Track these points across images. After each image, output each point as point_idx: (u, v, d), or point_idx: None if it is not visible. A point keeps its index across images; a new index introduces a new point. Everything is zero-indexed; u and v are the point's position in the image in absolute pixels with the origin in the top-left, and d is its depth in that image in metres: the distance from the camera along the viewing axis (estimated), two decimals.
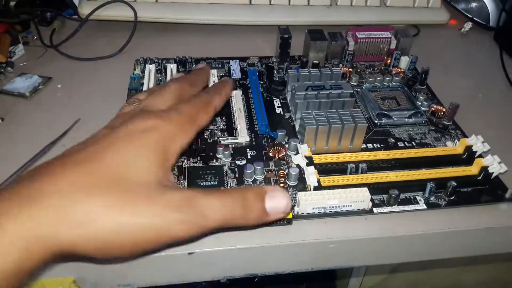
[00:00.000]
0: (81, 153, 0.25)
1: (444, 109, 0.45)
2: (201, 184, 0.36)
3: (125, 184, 0.24)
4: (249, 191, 0.27)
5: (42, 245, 0.21)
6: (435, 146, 0.41)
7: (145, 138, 0.26)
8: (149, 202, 0.24)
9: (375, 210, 0.34)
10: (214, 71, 0.47)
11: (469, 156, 0.39)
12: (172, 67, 0.46)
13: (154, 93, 0.32)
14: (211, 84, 0.43)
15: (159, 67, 0.49)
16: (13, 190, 0.22)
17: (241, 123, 0.42)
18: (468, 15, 0.64)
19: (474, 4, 0.64)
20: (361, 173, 0.37)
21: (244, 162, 0.38)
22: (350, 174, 0.37)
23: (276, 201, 0.27)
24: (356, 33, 0.51)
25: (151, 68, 0.45)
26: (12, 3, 0.58)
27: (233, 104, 0.44)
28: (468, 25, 0.62)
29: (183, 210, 0.24)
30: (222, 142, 0.40)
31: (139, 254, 0.26)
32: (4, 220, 0.21)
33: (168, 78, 0.45)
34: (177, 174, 0.36)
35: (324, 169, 0.37)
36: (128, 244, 0.23)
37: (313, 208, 0.33)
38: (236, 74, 0.50)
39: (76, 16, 0.57)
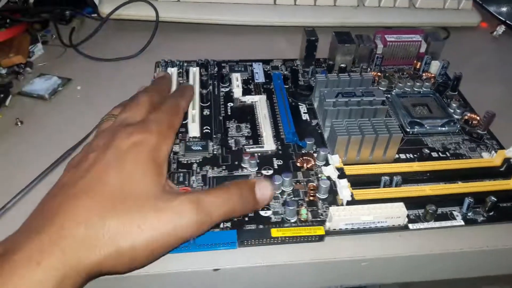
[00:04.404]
0: (84, 181, 0.27)
1: (478, 117, 0.43)
2: None
3: (133, 201, 0.26)
4: (243, 184, 0.31)
5: (74, 273, 0.24)
6: (470, 157, 0.39)
7: (136, 152, 0.29)
8: (158, 212, 0.26)
9: (410, 226, 0.33)
10: (237, 74, 0.46)
11: (507, 169, 0.37)
12: (194, 71, 0.45)
13: (128, 106, 0.34)
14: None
15: (181, 70, 0.47)
16: (37, 228, 0.24)
17: (266, 130, 0.40)
18: (501, 18, 0.61)
19: (506, 7, 0.61)
20: (396, 186, 0.35)
21: (271, 172, 0.36)
22: (384, 187, 0.35)
23: (264, 191, 0.31)
24: (385, 35, 0.49)
25: (172, 71, 0.44)
26: (31, 0, 0.56)
27: (258, 110, 0.43)
28: (500, 29, 0.60)
29: (192, 214, 0.27)
30: (247, 150, 0.38)
31: (156, 259, 0.28)
32: (39, 257, 0.23)
33: (191, 81, 0.43)
34: (202, 184, 0.35)
35: (356, 181, 0.35)
36: (147, 254, 0.26)
37: (345, 224, 0.31)
38: (260, 77, 0.48)
39: (96, 15, 0.56)
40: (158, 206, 0.27)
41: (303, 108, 0.44)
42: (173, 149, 0.38)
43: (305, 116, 0.43)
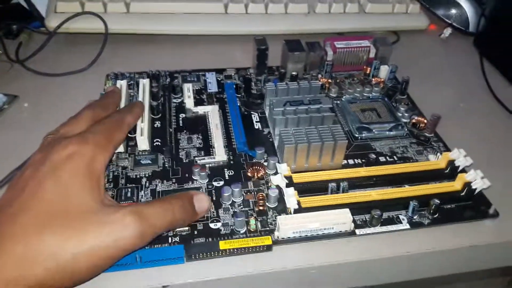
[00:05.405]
0: (20, 200, 0.27)
1: (425, 121, 0.44)
2: None
3: (72, 215, 0.26)
4: (183, 196, 0.32)
5: None
6: (417, 160, 0.40)
7: (72, 164, 0.28)
8: (100, 225, 0.26)
9: (357, 231, 0.33)
10: (188, 85, 0.46)
11: (452, 171, 0.38)
12: (144, 82, 0.44)
13: (69, 121, 0.34)
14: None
15: (132, 82, 0.47)
16: None
17: (218, 141, 0.40)
18: (447, 21, 0.63)
19: (453, 10, 0.63)
20: (343, 192, 0.35)
21: (221, 183, 0.36)
22: (331, 193, 0.35)
23: (202, 203, 0.32)
24: (335, 42, 0.50)
25: (122, 84, 0.43)
26: None
27: (210, 120, 0.43)
28: (447, 31, 0.62)
29: (135, 225, 0.27)
30: (198, 162, 0.38)
31: (99, 272, 0.28)
32: None
33: (140, 93, 0.43)
34: (151, 198, 0.34)
35: (304, 189, 0.35)
36: (88, 267, 0.26)
37: (293, 232, 0.32)
38: (213, 87, 0.48)
39: (44, 29, 0.55)
40: (99, 219, 0.27)
41: (255, 117, 0.44)
42: (122, 164, 0.37)
43: (257, 125, 0.43)
